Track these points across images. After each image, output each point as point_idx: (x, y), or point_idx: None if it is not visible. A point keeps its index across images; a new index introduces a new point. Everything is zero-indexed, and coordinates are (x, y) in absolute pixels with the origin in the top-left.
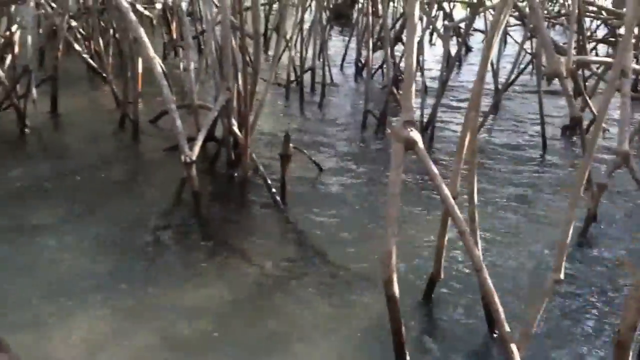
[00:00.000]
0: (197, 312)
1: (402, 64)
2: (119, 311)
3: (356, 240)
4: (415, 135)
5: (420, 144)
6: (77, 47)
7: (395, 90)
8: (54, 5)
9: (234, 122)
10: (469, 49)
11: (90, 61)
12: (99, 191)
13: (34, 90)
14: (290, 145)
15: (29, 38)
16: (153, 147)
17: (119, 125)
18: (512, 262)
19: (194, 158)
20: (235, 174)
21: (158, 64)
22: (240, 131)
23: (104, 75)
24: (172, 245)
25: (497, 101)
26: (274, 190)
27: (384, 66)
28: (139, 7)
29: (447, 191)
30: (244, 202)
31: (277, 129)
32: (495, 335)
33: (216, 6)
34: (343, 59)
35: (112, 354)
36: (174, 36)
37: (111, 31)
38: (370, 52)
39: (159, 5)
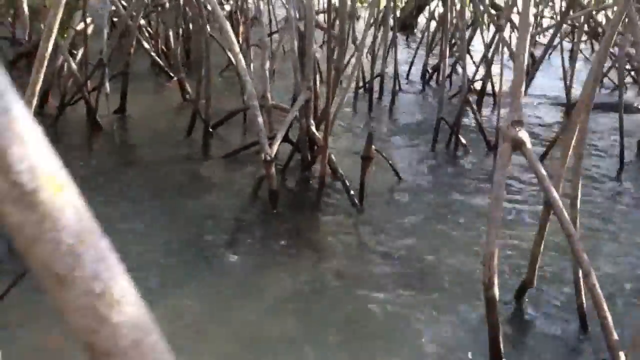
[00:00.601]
0: (274, 309)
1: (474, 72)
2: (196, 305)
3: (434, 247)
4: (524, 135)
5: (528, 144)
6: (146, 45)
7: (469, 98)
8: (124, 3)
9: (312, 122)
10: None
11: (158, 59)
12: (175, 190)
13: (107, 85)
14: (373, 147)
15: (105, 32)
16: (225, 147)
17: (189, 126)
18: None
19: (273, 156)
20: (310, 176)
21: (242, 60)
22: (318, 131)
23: (171, 74)
24: (248, 244)
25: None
26: (352, 192)
27: (453, 75)
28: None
29: (556, 194)
30: (322, 204)
31: (346, 135)
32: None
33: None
34: (410, 68)
35: (193, 349)
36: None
37: (179, 30)
38: (446, 59)
39: (227, 7)
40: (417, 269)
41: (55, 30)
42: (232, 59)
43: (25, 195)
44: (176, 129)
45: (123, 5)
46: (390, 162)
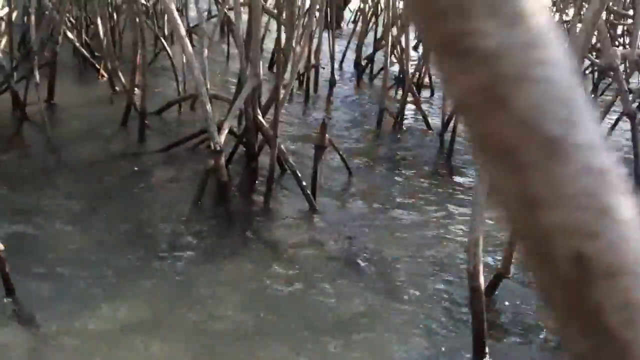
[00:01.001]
0: (223, 312)
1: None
2: (155, 303)
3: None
4: None
5: None
6: (70, 35)
7: (413, 88)
8: None
9: (259, 111)
10: None
11: (83, 50)
12: (114, 186)
13: (37, 74)
14: (327, 135)
15: (32, 19)
16: (162, 139)
17: (124, 117)
18: None
19: (221, 146)
20: (257, 168)
21: (188, 44)
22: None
23: (97, 65)
24: (200, 239)
25: None
26: (304, 184)
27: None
28: None
29: None
30: (272, 197)
31: (287, 126)
32: None
33: None
34: (342, 60)
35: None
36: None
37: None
38: (389, 49)
39: None
40: (364, 259)
41: None
42: (179, 43)
43: None
44: (109, 120)
45: None
46: (341, 153)
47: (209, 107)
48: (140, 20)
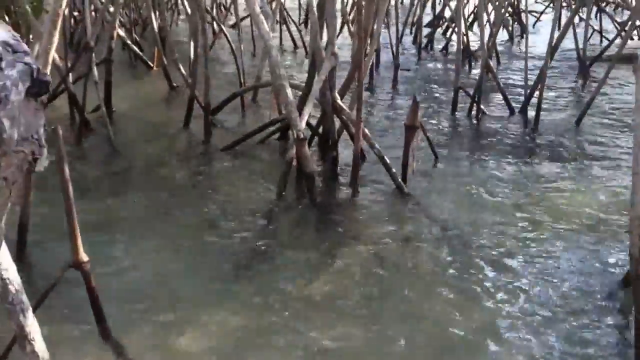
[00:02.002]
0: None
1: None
2: (242, 321)
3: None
4: None
5: None
6: (120, 32)
7: (489, 63)
8: None
9: (337, 95)
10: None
11: (135, 47)
12: (188, 187)
13: (95, 71)
14: (419, 114)
15: (87, 12)
16: (229, 136)
17: (187, 112)
18: None
19: (305, 133)
20: (337, 155)
21: (266, 25)
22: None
23: (150, 63)
24: (290, 238)
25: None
26: (393, 170)
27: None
28: None
29: None
30: (361, 185)
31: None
32: None
33: None
34: (400, 37)
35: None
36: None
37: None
38: (461, 24)
39: None
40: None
41: None
42: (255, 25)
43: None
44: (172, 118)
45: None
46: (427, 135)
47: (289, 91)
48: (200, 8)
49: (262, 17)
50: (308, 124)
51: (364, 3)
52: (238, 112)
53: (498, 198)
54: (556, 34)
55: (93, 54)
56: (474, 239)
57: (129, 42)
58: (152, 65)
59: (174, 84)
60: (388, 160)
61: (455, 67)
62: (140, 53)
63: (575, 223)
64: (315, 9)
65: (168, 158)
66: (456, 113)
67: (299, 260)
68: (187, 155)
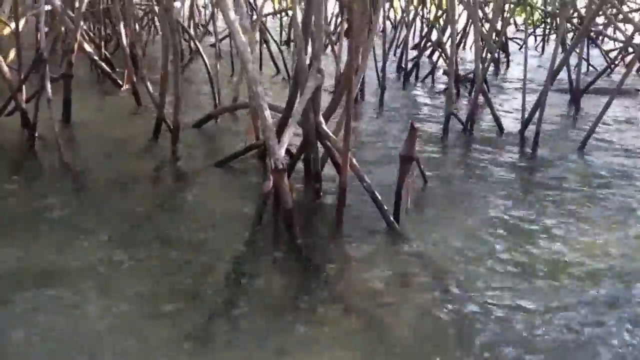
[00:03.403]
0: None
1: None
2: None
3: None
4: None
5: None
6: (87, 47)
7: (485, 89)
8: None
9: (322, 119)
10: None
11: (102, 63)
12: (148, 218)
13: (48, 87)
14: (417, 143)
15: (42, 26)
16: (197, 156)
17: (154, 131)
18: None
19: (284, 163)
20: (320, 187)
21: (240, 32)
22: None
23: (118, 80)
24: (264, 286)
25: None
26: (385, 208)
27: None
28: None
29: None
30: (347, 223)
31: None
32: None
33: None
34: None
35: None
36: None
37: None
38: (455, 52)
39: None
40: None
41: None
42: (235, 40)
43: None
44: (136, 137)
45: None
46: (422, 169)
47: (267, 113)
48: (172, 24)
49: (238, 26)
50: (288, 150)
51: (354, 8)
52: (212, 134)
53: (497, 240)
54: (558, 58)
55: (47, 68)
56: (474, 295)
57: (95, 57)
58: (121, 83)
59: (142, 104)
60: (379, 196)
61: (447, 92)
62: (108, 70)
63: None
64: (299, 21)
65: (125, 180)
66: (447, 140)
67: (270, 326)
68: (149, 178)
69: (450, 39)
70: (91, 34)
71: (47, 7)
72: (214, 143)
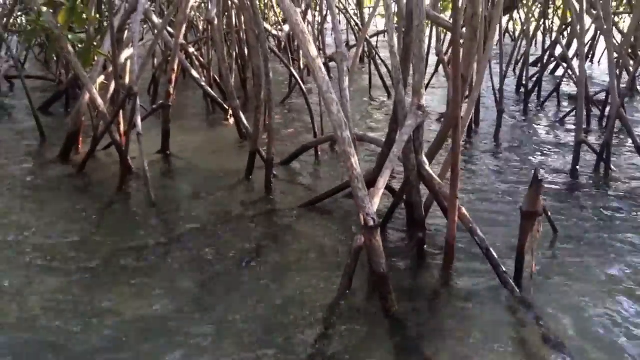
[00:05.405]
0: None
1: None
2: None
3: None
4: None
5: None
6: (194, 74)
7: (623, 113)
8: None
9: (425, 160)
10: None
11: (210, 90)
12: (230, 267)
13: (139, 121)
14: (541, 196)
15: (135, 57)
16: (292, 193)
17: (248, 167)
18: None
19: (376, 219)
20: (424, 241)
21: (326, 76)
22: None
23: (226, 107)
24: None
25: None
26: (503, 269)
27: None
28: (267, 26)
29: None
30: (454, 286)
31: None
32: None
33: None
34: (501, 84)
35: None
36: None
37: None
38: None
39: (286, 28)
40: None
41: None
42: (315, 78)
43: None
44: (231, 173)
45: (169, 32)
46: (550, 217)
47: (354, 160)
48: (263, 48)
49: (318, 62)
50: (391, 189)
51: (462, 41)
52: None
53: None
54: None
55: (137, 101)
56: None
57: (203, 84)
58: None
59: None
60: (495, 254)
61: (576, 116)
62: (217, 98)
63: None
64: (396, 50)
65: (214, 221)
66: (577, 176)
67: None
68: (239, 218)
69: (577, 53)
70: (200, 59)
71: (141, 43)
72: (312, 178)
